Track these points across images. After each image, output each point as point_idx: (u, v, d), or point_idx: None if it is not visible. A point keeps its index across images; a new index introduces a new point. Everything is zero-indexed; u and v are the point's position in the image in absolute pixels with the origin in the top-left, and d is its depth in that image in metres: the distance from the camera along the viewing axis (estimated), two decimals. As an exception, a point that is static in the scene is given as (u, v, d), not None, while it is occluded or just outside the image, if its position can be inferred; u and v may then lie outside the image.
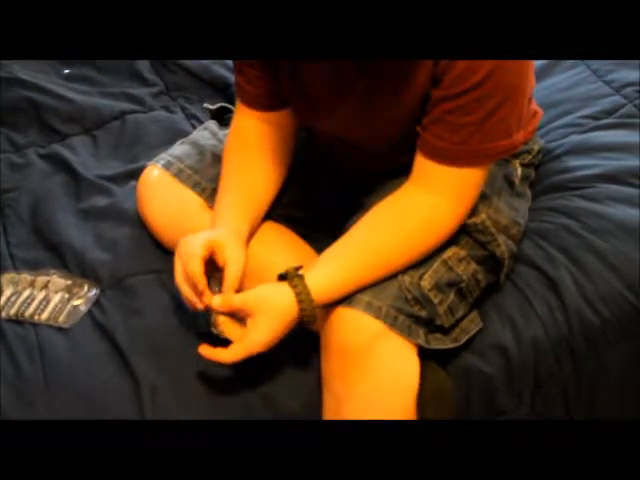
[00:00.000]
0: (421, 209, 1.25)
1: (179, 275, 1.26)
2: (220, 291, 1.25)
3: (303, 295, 1.20)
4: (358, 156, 1.41)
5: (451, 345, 1.29)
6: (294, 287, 1.20)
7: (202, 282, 1.23)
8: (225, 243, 1.27)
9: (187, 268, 1.23)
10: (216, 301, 1.21)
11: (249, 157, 1.40)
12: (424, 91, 1.22)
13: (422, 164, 1.25)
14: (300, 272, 1.22)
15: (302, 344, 1.32)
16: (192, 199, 1.43)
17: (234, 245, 1.28)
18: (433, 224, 1.26)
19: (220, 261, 1.26)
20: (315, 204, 1.50)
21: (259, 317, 1.20)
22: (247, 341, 1.20)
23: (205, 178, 1.44)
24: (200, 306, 1.24)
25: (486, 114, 1.19)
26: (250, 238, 1.37)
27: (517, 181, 1.46)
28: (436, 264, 1.28)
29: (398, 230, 1.25)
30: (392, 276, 1.25)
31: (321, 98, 1.32)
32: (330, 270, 1.24)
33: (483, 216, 1.32)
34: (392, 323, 1.22)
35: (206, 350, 1.22)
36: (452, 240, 1.30)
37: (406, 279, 1.25)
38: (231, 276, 1.25)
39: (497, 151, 1.24)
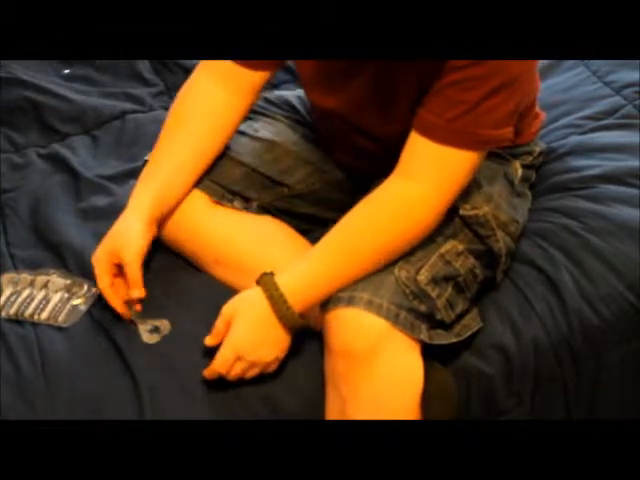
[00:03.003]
0: (400, 200, 1.25)
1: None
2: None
3: (272, 291, 1.23)
4: (364, 143, 1.41)
5: (454, 339, 1.29)
6: (263, 285, 1.24)
7: (116, 305, 1.34)
8: (120, 246, 1.32)
9: (101, 289, 1.34)
10: (208, 341, 1.27)
11: (182, 122, 1.39)
12: (434, 66, 1.22)
13: (411, 142, 1.25)
14: (271, 273, 1.25)
15: (302, 344, 1.32)
16: (192, 195, 1.43)
17: (125, 244, 1.32)
18: (413, 214, 1.25)
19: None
20: (316, 199, 1.50)
21: (235, 318, 1.24)
22: (225, 340, 1.25)
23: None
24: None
25: (483, 95, 1.19)
26: (175, 207, 1.39)
27: (517, 181, 1.46)
28: (433, 258, 1.28)
29: (376, 226, 1.25)
30: (388, 271, 1.25)
31: (337, 70, 1.32)
32: (301, 268, 1.26)
33: (486, 209, 1.33)
34: (395, 320, 1.22)
35: (208, 371, 1.28)
36: (451, 234, 1.30)
37: (403, 274, 1.25)
38: (130, 277, 1.32)
39: (484, 139, 1.24)
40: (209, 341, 1.27)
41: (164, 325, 1.34)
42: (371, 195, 1.27)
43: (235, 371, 1.25)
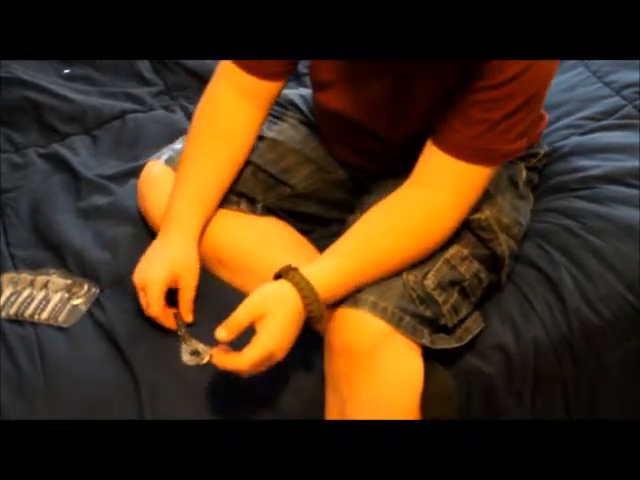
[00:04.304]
0: (421, 207, 1.25)
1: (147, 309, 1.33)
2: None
3: (302, 284, 1.18)
4: (370, 145, 1.41)
5: (455, 344, 1.29)
6: (291, 279, 1.19)
7: (168, 323, 1.33)
8: (180, 273, 1.33)
9: (150, 312, 1.32)
10: (220, 334, 1.16)
11: (217, 139, 1.39)
12: (453, 80, 1.22)
13: (429, 155, 1.25)
14: (295, 267, 1.20)
15: (302, 344, 1.31)
16: None
17: (187, 270, 1.34)
18: (433, 222, 1.26)
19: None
20: (318, 198, 1.50)
21: (268, 316, 1.17)
22: (259, 340, 1.16)
23: None
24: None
25: (505, 114, 1.20)
26: (207, 223, 1.39)
27: (521, 183, 1.46)
28: (439, 263, 1.28)
29: (398, 228, 1.25)
30: (396, 275, 1.25)
31: (357, 75, 1.33)
32: (329, 266, 1.23)
33: (487, 213, 1.33)
34: (397, 324, 1.22)
35: (220, 357, 1.19)
36: (454, 238, 1.30)
37: (410, 278, 1.25)
38: (185, 303, 1.34)
39: (500, 153, 1.25)
40: (225, 336, 1.16)
41: (205, 352, 1.30)
42: (393, 201, 1.27)
43: (257, 369, 1.19)
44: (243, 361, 1.17)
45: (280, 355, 1.19)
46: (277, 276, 1.21)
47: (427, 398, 1.26)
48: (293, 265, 1.21)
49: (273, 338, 1.17)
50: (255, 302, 1.18)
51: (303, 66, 1.84)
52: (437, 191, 1.25)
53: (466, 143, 1.22)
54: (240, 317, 1.17)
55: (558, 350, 1.38)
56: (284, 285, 1.19)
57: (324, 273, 1.21)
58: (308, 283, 1.19)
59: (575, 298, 1.39)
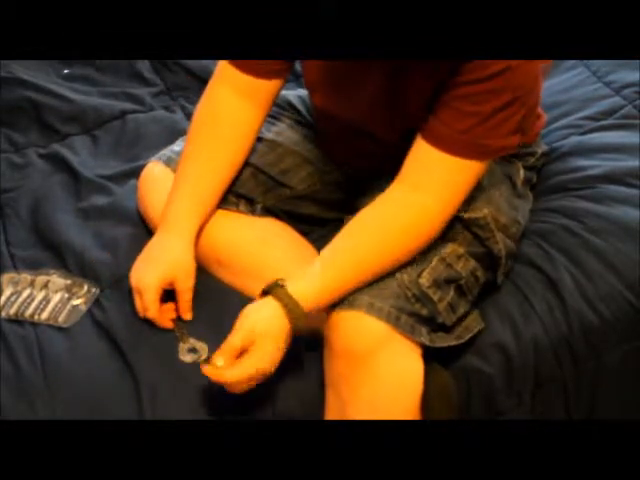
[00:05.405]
0: (405, 210, 1.25)
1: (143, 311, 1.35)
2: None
3: (291, 305, 1.19)
4: (366, 145, 1.41)
5: (455, 342, 1.29)
6: (280, 299, 1.20)
7: (165, 324, 1.35)
8: (176, 276, 1.34)
9: (147, 315, 1.34)
10: (219, 361, 1.20)
11: (217, 139, 1.39)
12: (445, 75, 1.22)
13: (418, 151, 1.24)
14: (282, 283, 1.21)
15: (302, 345, 1.31)
16: None
17: (183, 272, 1.35)
18: (418, 225, 1.25)
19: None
20: (316, 199, 1.50)
21: (258, 341, 1.19)
22: (245, 362, 1.19)
23: None
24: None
25: (494, 109, 1.19)
26: (205, 223, 1.40)
27: (519, 182, 1.46)
28: (435, 261, 1.28)
29: (382, 233, 1.25)
30: (390, 274, 1.25)
31: (347, 76, 1.32)
32: (314, 277, 1.23)
33: (485, 211, 1.33)
34: (395, 323, 1.22)
35: (209, 370, 1.21)
36: (450, 237, 1.30)
37: (405, 277, 1.25)
38: (184, 303, 1.35)
39: (492, 149, 1.24)
40: (223, 362, 1.19)
41: (203, 349, 1.32)
42: (377, 204, 1.26)
43: (248, 385, 1.21)
44: (231, 377, 1.19)
45: (271, 370, 1.21)
46: (265, 291, 1.22)
47: (427, 398, 1.26)
48: (280, 281, 1.21)
49: (263, 359, 1.19)
50: (246, 330, 1.20)
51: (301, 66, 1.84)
52: (425, 190, 1.24)
53: (456, 137, 1.21)
54: (235, 343, 1.20)
55: (558, 350, 1.38)
56: (272, 305, 1.20)
57: (309, 288, 1.22)
58: (296, 303, 1.19)
59: (575, 298, 1.39)
